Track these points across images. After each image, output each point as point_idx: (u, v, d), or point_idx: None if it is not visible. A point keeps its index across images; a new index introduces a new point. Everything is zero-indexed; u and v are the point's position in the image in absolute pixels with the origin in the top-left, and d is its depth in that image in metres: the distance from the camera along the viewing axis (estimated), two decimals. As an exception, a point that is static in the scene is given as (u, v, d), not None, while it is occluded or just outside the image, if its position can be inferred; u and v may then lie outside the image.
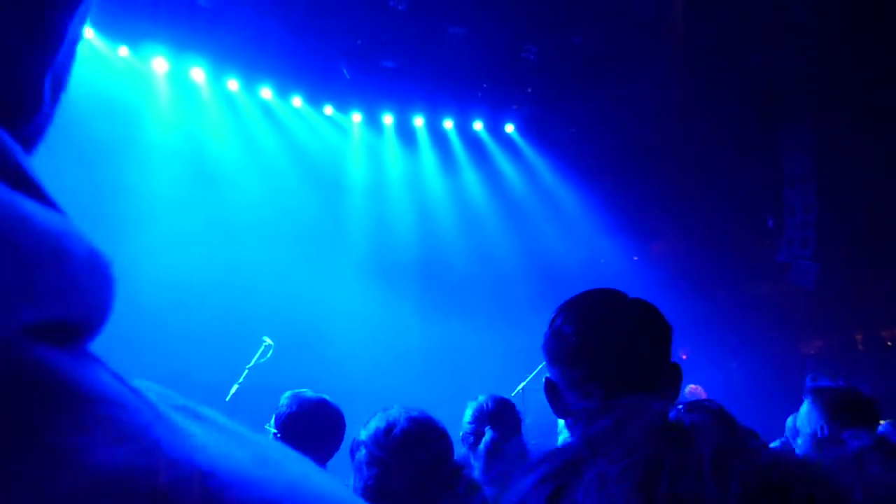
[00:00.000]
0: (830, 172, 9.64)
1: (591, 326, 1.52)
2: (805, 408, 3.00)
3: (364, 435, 2.05)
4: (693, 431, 0.70)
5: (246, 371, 6.29)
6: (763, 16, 8.58)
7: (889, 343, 10.23)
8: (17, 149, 0.33)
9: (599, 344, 1.50)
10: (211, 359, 7.04)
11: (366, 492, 1.97)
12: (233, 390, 6.21)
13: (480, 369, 8.28)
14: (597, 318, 1.54)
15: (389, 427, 2.03)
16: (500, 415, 2.94)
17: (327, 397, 3.02)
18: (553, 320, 1.57)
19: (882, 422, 3.55)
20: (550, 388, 1.56)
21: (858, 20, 8.31)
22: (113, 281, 0.35)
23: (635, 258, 10.73)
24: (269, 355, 6.35)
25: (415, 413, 2.10)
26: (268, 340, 6.38)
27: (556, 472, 0.73)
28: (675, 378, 1.51)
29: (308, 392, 3.02)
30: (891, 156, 8.95)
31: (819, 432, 2.89)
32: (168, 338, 7.59)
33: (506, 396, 3.13)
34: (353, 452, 2.08)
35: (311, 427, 2.88)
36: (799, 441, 3.01)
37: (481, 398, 3.02)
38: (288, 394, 3.01)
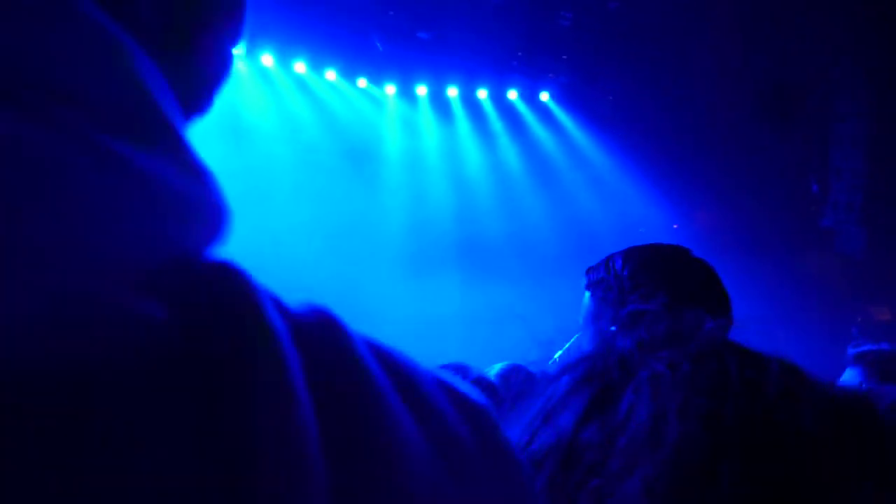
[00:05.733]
0: (883, 139, 9.35)
1: (651, 261, 1.55)
2: (846, 373, 2.89)
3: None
4: (761, 355, 0.66)
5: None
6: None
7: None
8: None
9: (661, 263, 1.52)
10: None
11: None
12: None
13: (519, 336, 8.29)
14: (655, 255, 1.56)
15: None
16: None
17: None
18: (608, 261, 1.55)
19: None
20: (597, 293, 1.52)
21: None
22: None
23: (675, 226, 10.54)
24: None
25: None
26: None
27: (598, 373, 0.67)
28: (728, 308, 1.51)
29: None
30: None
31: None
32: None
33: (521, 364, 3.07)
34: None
35: None
36: None
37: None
38: None
